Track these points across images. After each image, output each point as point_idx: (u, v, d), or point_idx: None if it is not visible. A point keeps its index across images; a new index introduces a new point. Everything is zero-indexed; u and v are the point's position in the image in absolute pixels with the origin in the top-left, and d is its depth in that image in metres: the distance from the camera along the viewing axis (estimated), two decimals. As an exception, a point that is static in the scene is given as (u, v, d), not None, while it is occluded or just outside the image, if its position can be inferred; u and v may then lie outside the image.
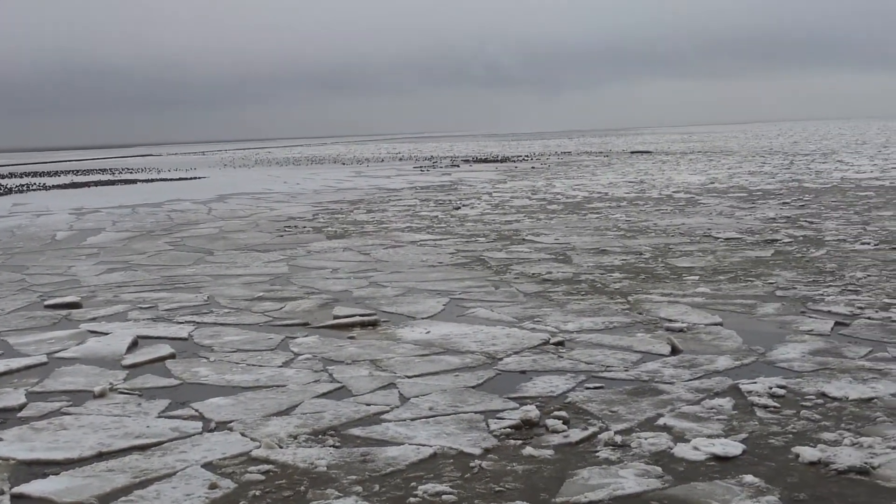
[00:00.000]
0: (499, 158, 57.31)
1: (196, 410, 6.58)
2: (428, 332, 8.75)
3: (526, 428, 5.95)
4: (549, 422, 5.96)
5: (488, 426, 6.00)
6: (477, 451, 5.54)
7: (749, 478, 4.97)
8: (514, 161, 52.84)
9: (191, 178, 43.90)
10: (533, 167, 44.37)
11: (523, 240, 15.66)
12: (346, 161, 61.97)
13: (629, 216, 19.00)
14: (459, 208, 22.37)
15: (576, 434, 5.77)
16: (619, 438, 5.63)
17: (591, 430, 5.85)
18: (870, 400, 6.27)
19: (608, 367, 7.40)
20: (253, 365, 7.83)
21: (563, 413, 6.15)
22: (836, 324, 8.60)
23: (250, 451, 5.68)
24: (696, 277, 11.27)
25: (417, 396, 6.73)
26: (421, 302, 10.37)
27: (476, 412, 6.31)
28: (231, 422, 6.29)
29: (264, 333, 9.06)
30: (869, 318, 8.77)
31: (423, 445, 5.66)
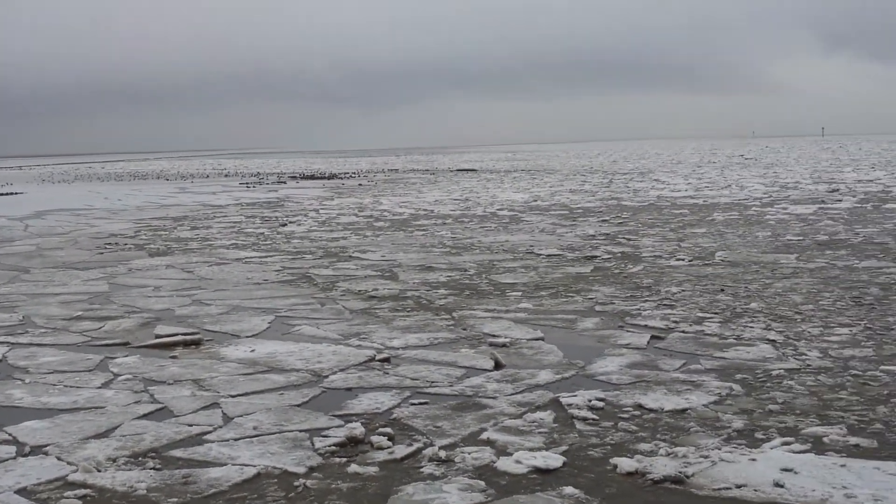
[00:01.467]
0: (326, 175, 57.14)
1: (10, 435, 6.34)
2: (253, 351, 8.66)
3: (351, 445, 5.94)
4: (375, 438, 5.97)
5: (313, 444, 5.97)
6: (301, 470, 5.51)
7: (569, 489, 5.09)
8: (342, 178, 52.77)
9: (6, 194, 42.25)
10: (360, 184, 44.40)
11: (350, 257, 15.66)
12: (171, 177, 60.77)
13: (454, 233, 19.21)
14: (286, 225, 22.22)
15: (401, 450, 5.79)
16: (443, 453, 5.68)
17: (416, 445, 5.88)
18: (684, 411, 6.50)
19: (433, 382, 7.46)
20: (70, 386, 7.59)
21: (388, 429, 6.17)
22: (653, 337, 8.88)
23: (67, 475, 5.50)
24: (519, 293, 11.48)
25: (241, 416, 6.64)
26: (246, 320, 10.25)
27: (301, 430, 6.28)
28: (47, 445, 6.08)
29: (83, 354, 8.80)
30: (683, 331, 9.10)
31: (247, 465, 5.59)
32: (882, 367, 7.50)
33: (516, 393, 7.09)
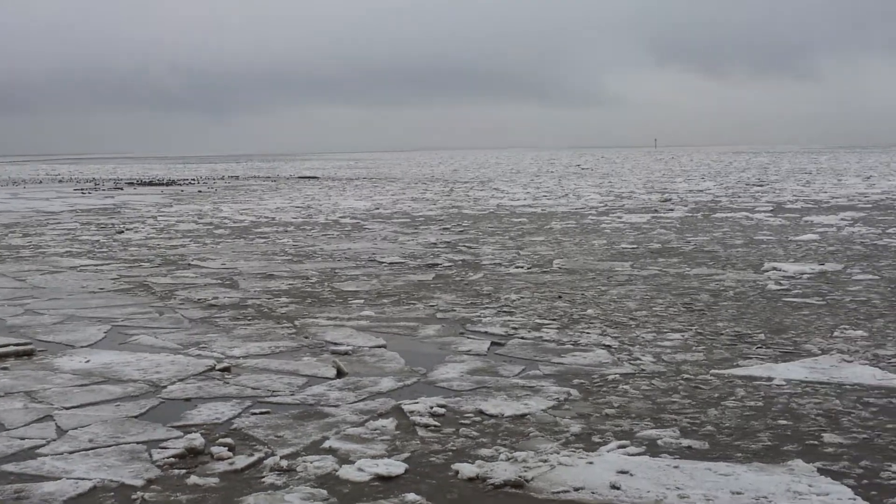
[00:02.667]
0: (165, 182, 56.03)
1: None
2: (88, 361, 8.43)
3: (191, 456, 5.84)
4: (215, 449, 5.89)
5: (151, 456, 5.85)
6: (139, 483, 5.39)
7: (411, 496, 5.12)
8: (181, 184, 51.84)
9: None
10: (200, 191, 43.71)
11: (189, 265, 15.40)
12: (0, 182, 58.64)
13: (296, 241, 19.10)
14: (123, 232, 21.70)
15: (241, 461, 5.73)
16: (284, 463, 5.64)
17: (257, 455, 5.83)
18: (523, 416, 6.60)
19: (274, 391, 7.40)
20: None
21: (228, 440, 6.09)
22: (493, 344, 9.00)
23: None
24: (361, 301, 11.48)
25: (76, 428, 6.46)
26: (81, 330, 9.98)
27: (138, 442, 6.14)
28: None
29: None
30: (522, 337, 9.25)
31: (83, 479, 5.44)
32: (712, 371, 7.77)
33: (358, 401, 7.09)
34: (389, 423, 6.46)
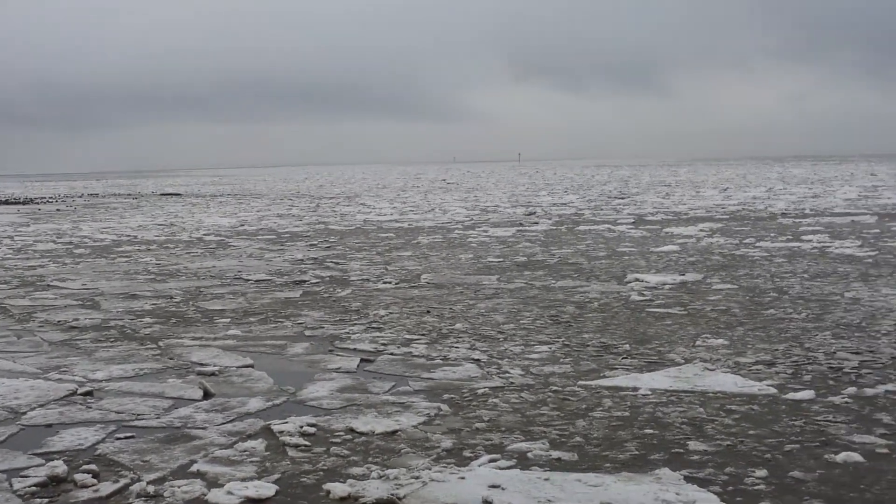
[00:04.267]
0: (21, 200, 54.42)
1: None
2: (-59, 389, 8.09)
3: (53, 485, 5.66)
4: (78, 476, 5.71)
5: (11, 486, 5.64)
6: (-2, 514, 5.20)
7: (282, 517, 5.05)
8: (38, 203, 50.42)
9: None
10: (58, 209, 42.59)
11: (48, 286, 14.96)
12: None
13: (159, 259, 18.74)
14: (-24, 253, 20.96)
15: (106, 487, 5.57)
16: (151, 488, 5.51)
17: (123, 481, 5.67)
18: (394, 433, 6.58)
19: (139, 415, 7.22)
20: None
21: (92, 466, 5.92)
22: (362, 360, 8.96)
23: None
24: (228, 320, 11.32)
25: (-71, 459, 6.19)
26: (-68, 356, 9.58)
27: (-3, 472, 5.92)
28: None
29: None
30: (392, 353, 9.23)
31: (-64, 512, 5.22)
32: (580, 383, 7.88)
33: (227, 422, 6.97)
34: (258, 444, 6.36)
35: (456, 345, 9.57)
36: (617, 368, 8.39)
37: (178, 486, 5.55)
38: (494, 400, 7.42)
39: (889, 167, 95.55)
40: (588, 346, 9.40)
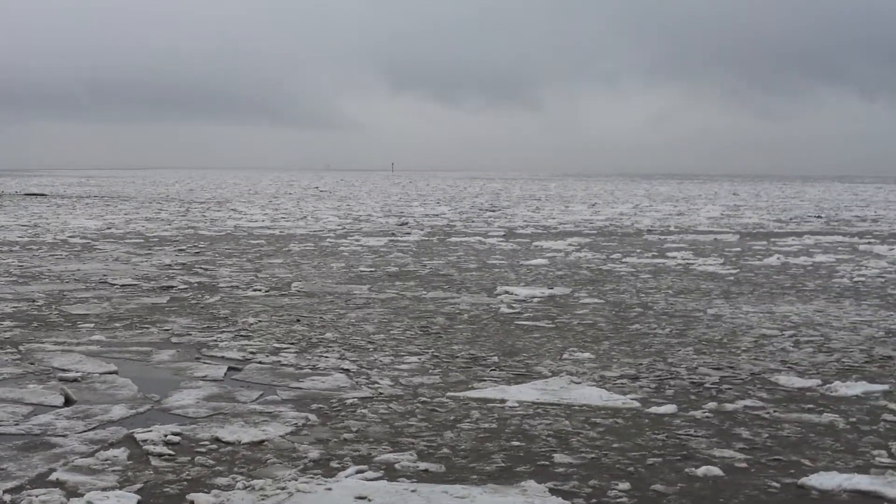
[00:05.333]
0: None
1: None
2: None
3: None
4: (-71, 485, 5.51)
5: None
6: None
7: (144, 528, 4.95)
8: None
9: None
10: (-87, 207, 41.02)
11: None
12: None
13: (22, 261, 18.20)
14: None
15: (-41, 496, 5.39)
16: (8, 498, 5.35)
17: (-23, 490, 5.49)
18: (261, 442, 6.52)
19: (-4, 422, 7.00)
20: None
21: (-56, 474, 5.72)
22: (230, 369, 8.86)
23: None
24: (92, 325, 11.06)
25: None
26: None
27: None
28: None
29: None
30: (260, 362, 9.14)
31: None
32: (449, 394, 7.92)
33: (88, 430, 6.81)
34: (121, 453, 6.23)
35: (325, 354, 9.52)
36: (485, 380, 8.45)
37: (36, 496, 5.40)
38: (363, 410, 7.40)
39: (750, 187, 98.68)
40: (457, 357, 9.45)
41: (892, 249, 22.47)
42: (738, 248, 22.93)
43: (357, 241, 23.97)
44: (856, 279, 16.39)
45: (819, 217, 39.43)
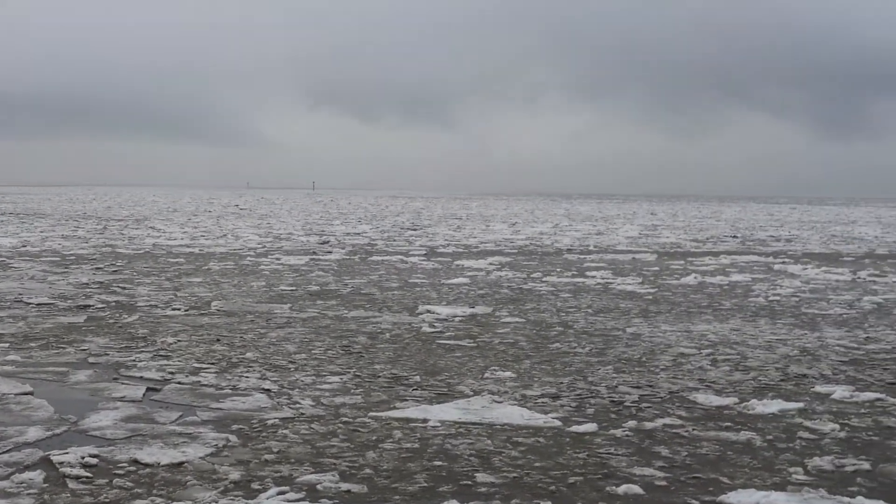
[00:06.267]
0: None
1: None
2: None
3: None
4: None
5: None
6: None
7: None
8: None
9: None
10: None
11: None
12: None
13: (-68, 280, 17.78)
14: None
15: None
16: (-82, 523, 5.22)
17: None
18: (180, 464, 6.44)
19: None
20: None
21: None
22: (149, 389, 8.74)
23: None
24: (7, 345, 10.85)
25: None
26: None
27: None
28: None
29: None
30: (180, 382, 9.04)
31: None
32: (370, 414, 7.90)
33: (3, 452, 6.66)
34: (37, 476, 6.11)
35: (246, 374, 9.44)
36: (407, 400, 8.45)
37: (-52, 521, 5.28)
38: (284, 431, 7.36)
39: (668, 207, 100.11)
40: (379, 377, 9.44)
41: (806, 269, 22.95)
42: (657, 268, 23.23)
43: (278, 259, 23.83)
44: (771, 298, 16.70)
45: (735, 237, 40.09)
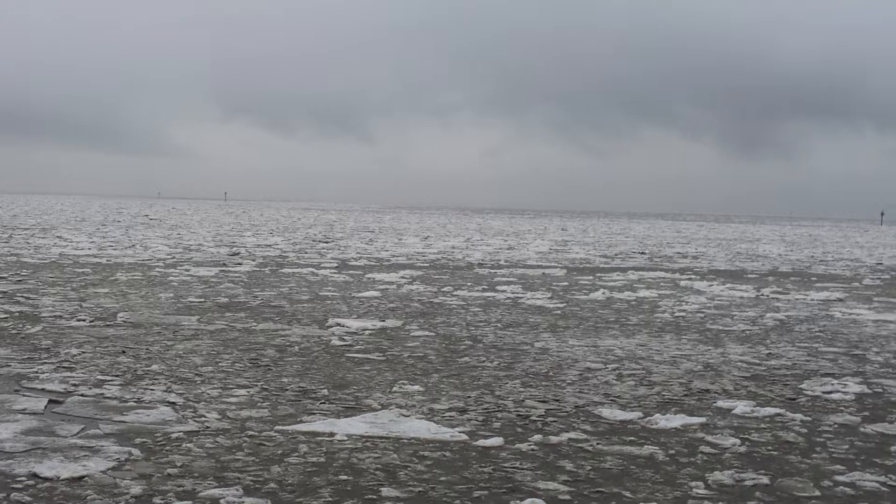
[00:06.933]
0: None
1: None
2: None
3: None
4: None
5: None
6: None
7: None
8: None
9: None
10: None
11: None
12: None
13: None
14: None
15: None
16: None
17: None
18: (81, 478, 6.33)
19: None
20: None
21: None
22: (50, 401, 8.58)
23: None
24: None
25: None
26: None
27: None
28: None
29: None
30: (83, 395, 8.89)
31: None
32: (277, 427, 7.85)
33: None
34: (-69, 491, 5.96)
35: (151, 387, 9.32)
36: (315, 413, 8.42)
37: None
38: (189, 444, 7.28)
39: (579, 223, 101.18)
40: (287, 390, 9.39)
41: (711, 286, 23.36)
42: (566, 283, 23.45)
43: (187, 270, 23.56)
44: (677, 314, 16.96)
45: (643, 253, 40.65)
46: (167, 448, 7.17)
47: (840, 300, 20.86)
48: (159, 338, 12.44)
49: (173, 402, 8.67)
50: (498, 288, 21.17)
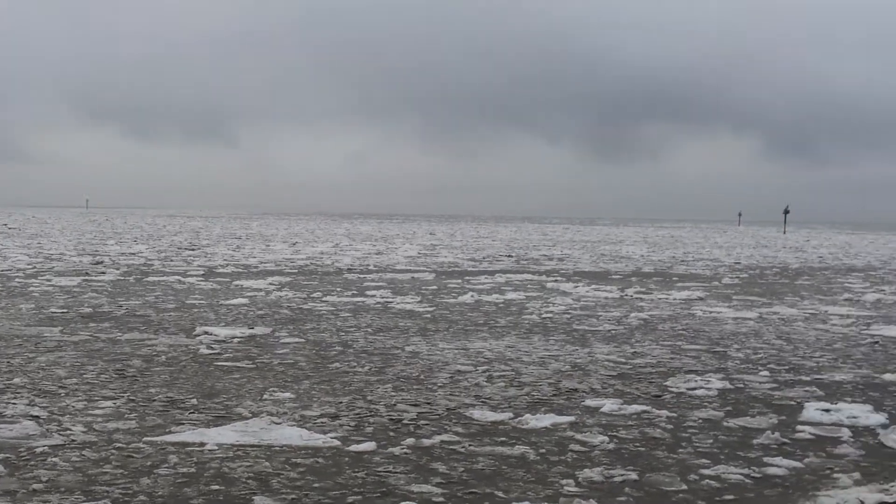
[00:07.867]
0: None
1: None
2: None
3: None
4: None
5: None
6: None
7: None
8: None
9: None
10: None
11: None
12: None
13: None
14: None
15: None
16: None
17: None
18: (-59, 497, 6.14)
19: None
20: None
21: None
22: None
23: None
24: None
25: None
26: None
27: None
28: None
29: None
30: (-60, 411, 8.60)
31: None
32: (145, 439, 7.72)
33: None
34: None
35: (13, 401, 9.06)
36: (184, 423, 8.31)
37: None
38: (54, 459, 7.11)
39: (447, 227, 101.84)
40: (154, 400, 9.24)
41: (577, 287, 23.78)
42: (435, 287, 23.57)
43: (48, 280, 22.95)
44: (544, 315, 17.21)
45: (510, 256, 41.10)
46: (32, 463, 6.99)
47: (701, 299, 21.46)
48: (21, 350, 12.10)
49: (37, 416, 8.45)
50: (367, 293, 21.17)
